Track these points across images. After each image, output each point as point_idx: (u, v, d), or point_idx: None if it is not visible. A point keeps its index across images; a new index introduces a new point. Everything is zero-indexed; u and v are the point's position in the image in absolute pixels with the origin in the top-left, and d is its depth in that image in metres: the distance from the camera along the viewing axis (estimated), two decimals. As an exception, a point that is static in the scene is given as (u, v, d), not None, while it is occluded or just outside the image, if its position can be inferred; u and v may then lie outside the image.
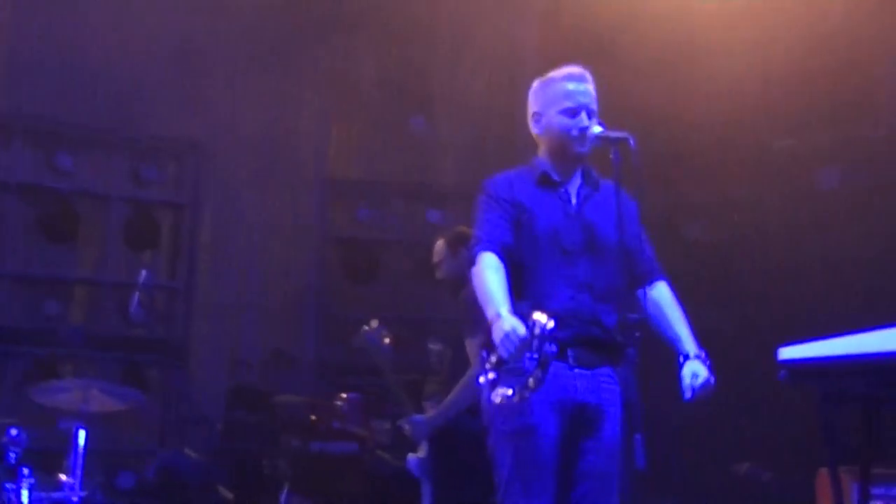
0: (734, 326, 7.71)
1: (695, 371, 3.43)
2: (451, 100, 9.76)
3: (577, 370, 3.44)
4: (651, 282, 3.62)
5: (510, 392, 3.24)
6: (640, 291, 3.49)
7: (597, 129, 3.52)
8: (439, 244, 5.25)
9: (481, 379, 3.38)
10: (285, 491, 7.23)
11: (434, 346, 5.63)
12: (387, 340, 5.25)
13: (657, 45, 8.14)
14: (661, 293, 3.62)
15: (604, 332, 3.49)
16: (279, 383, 8.30)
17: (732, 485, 7.70)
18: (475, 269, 3.45)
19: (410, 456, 5.32)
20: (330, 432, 7.57)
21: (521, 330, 3.18)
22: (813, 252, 7.90)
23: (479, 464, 3.65)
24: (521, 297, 3.44)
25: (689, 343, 3.52)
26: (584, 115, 3.54)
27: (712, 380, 3.45)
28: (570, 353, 3.42)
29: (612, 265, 3.49)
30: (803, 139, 8.11)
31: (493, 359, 3.30)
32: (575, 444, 3.43)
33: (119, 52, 8.47)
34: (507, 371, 3.30)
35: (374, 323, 5.34)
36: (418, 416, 5.16)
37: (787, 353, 3.70)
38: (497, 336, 3.22)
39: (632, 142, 3.41)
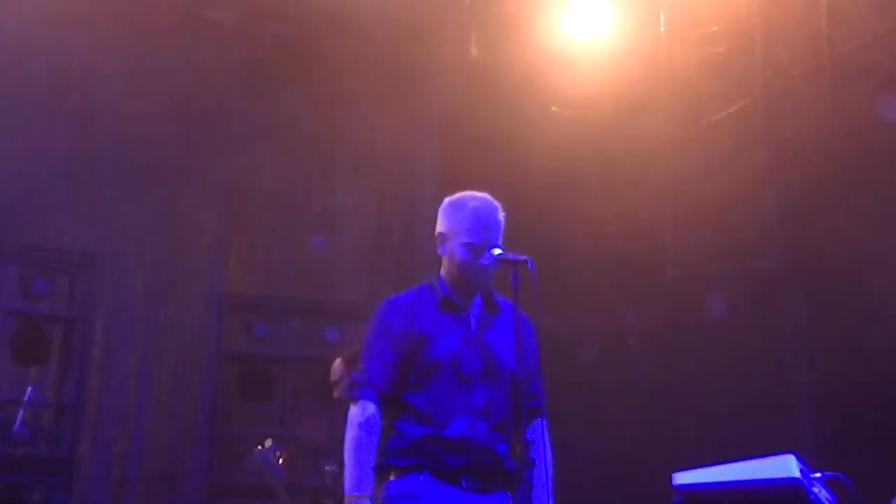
0: (629, 450, 7.77)
1: None
2: (350, 215, 9.82)
3: (470, 495, 3.41)
4: (535, 419, 3.62)
5: None
6: (524, 424, 3.48)
7: (496, 251, 3.56)
8: (337, 363, 5.23)
9: None
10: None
11: (329, 468, 5.55)
12: (280, 461, 5.16)
13: (550, 168, 8.34)
14: (540, 435, 3.60)
15: (496, 460, 3.48)
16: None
17: None
18: (351, 417, 3.46)
19: None
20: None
21: None
22: (703, 376, 8.06)
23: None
24: (419, 421, 3.43)
25: (540, 497, 3.50)
26: (487, 253, 3.57)
27: None
28: (463, 480, 3.41)
29: (506, 392, 3.52)
30: (694, 269, 8.34)
31: None
32: None
33: (10, 160, 8.33)
34: None
35: (268, 442, 5.25)
36: None
37: (681, 478, 3.76)
38: None
39: (530, 264, 3.47)
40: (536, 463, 3.50)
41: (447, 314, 3.58)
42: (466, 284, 3.61)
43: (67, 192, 8.71)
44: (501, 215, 3.65)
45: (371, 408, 3.45)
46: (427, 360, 3.49)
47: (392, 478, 3.44)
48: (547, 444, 3.58)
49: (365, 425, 3.42)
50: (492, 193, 3.73)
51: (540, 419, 3.63)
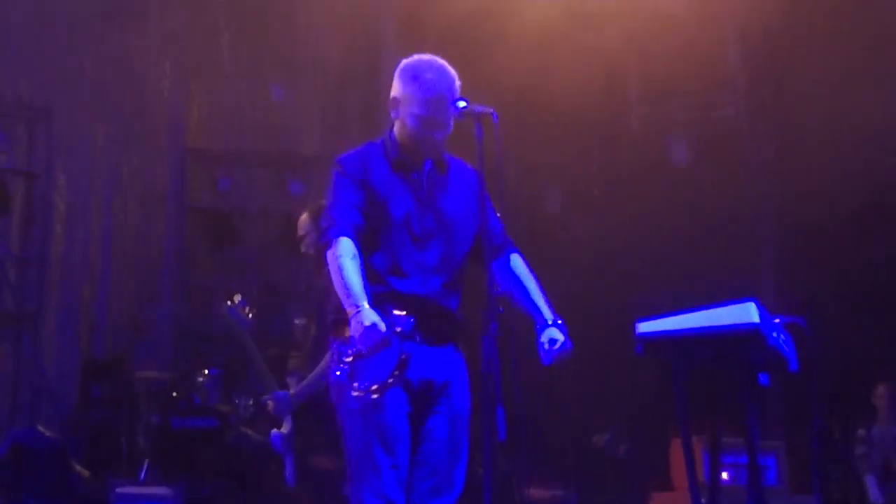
0: (592, 298, 7.88)
1: (552, 337, 3.50)
2: (312, 64, 9.65)
3: (423, 348, 3.47)
4: (504, 255, 3.66)
5: (372, 387, 3.29)
6: (494, 265, 3.52)
7: (461, 103, 3.51)
8: (304, 218, 5.18)
9: (337, 372, 3.39)
10: (145, 467, 7.11)
11: (298, 321, 5.60)
12: (249, 315, 5.18)
13: (516, 18, 8.19)
14: (516, 265, 3.66)
15: (448, 315, 3.52)
16: (137, 354, 8.11)
17: (591, 455, 7.91)
18: (330, 255, 3.43)
19: (274, 431, 5.29)
20: (191, 408, 7.46)
21: (382, 326, 3.23)
22: (665, 226, 8.14)
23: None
24: (375, 280, 3.44)
25: (545, 311, 3.58)
26: (435, 130, 3.52)
27: (569, 345, 3.52)
28: (416, 335, 3.44)
29: (461, 247, 3.53)
30: (659, 112, 8.33)
31: (351, 352, 3.32)
32: (422, 417, 3.47)
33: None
34: (365, 365, 3.33)
35: (237, 298, 5.25)
36: (281, 392, 5.12)
37: (644, 327, 3.83)
38: (356, 330, 3.24)
39: (495, 116, 3.42)
40: (522, 286, 3.59)
41: (399, 174, 3.56)
42: (416, 152, 3.58)
43: (20, 42, 8.47)
44: (458, 85, 3.58)
45: (345, 240, 3.43)
46: (382, 218, 3.48)
47: (345, 331, 3.48)
48: (528, 270, 3.64)
49: (344, 254, 3.39)
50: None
51: (508, 253, 3.66)
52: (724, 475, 5.79)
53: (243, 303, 5.10)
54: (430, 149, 3.57)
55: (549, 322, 3.57)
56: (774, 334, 3.81)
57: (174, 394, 7.88)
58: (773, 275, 8.23)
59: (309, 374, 5.02)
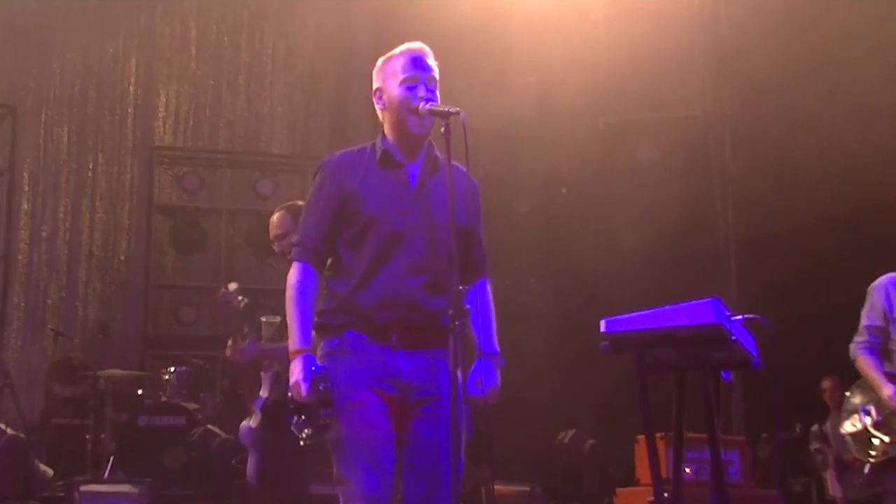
0: (557, 297, 7.94)
1: (485, 372, 3.47)
2: (282, 66, 9.64)
3: (400, 353, 3.46)
4: (476, 279, 3.64)
5: (309, 431, 3.38)
6: (467, 278, 3.52)
7: (429, 105, 3.52)
8: (282, 216, 5.18)
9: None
10: (110, 465, 7.07)
11: (271, 320, 5.60)
12: (242, 304, 5.18)
13: (485, 20, 8.23)
14: (481, 293, 3.63)
15: (429, 317, 3.45)
16: (102, 353, 8.07)
17: (556, 451, 7.96)
18: (289, 281, 3.50)
19: (243, 424, 5.32)
20: (157, 406, 7.44)
21: (303, 388, 3.30)
22: (632, 225, 8.21)
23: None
24: (349, 280, 3.45)
25: (488, 343, 3.57)
26: (422, 87, 3.53)
27: (498, 384, 3.52)
28: (392, 336, 3.44)
29: (444, 249, 3.49)
30: (626, 117, 8.40)
31: (292, 405, 3.40)
32: (407, 422, 3.46)
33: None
34: (304, 409, 3.40)
35: (233, 286, 5.26)
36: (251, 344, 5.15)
37: (608, 325, 3.87)
38: (291, 377, 3.35)
39: (462, 116, 3.43)
40: (480, 312, 3.55)
41: (386, 171, 3.54)
42: (407, 134, 3.55)
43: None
44: (434, 61, 3.60)
45: (303, 269, 3.48)
46: (360, 217, 3.46)
47: (327, 336, 3.48)
48: (489, 300, 3.63)
49: (298, 286, 3.46)
50: (427, 44, 3.69)
51: (481, 277, 3.65)
52: (687, 470, 5.84)
53: (237, 291, 5.10)
54: (420, 123, 3.54)
55: (486, 355, 3.53)
56: (736, 332, 3.86)
57: (140, 392, 7.86)
58: (735, 274, 8.33)
59: (285, 373, 5.03)
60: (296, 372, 3.37)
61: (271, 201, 8.40)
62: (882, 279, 4.85)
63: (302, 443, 3.43)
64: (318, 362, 3.44)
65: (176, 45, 9.41)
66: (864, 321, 4.81)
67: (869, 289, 4.86)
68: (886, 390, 4.67)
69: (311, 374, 3.35)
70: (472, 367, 3.51)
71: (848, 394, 4.95)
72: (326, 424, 3.37)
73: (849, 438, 4.89)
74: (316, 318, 3.50)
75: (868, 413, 4.80)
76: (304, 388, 3.33)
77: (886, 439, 4.72)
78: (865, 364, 4.78)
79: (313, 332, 3.50)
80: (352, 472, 3.38)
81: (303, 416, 3.39)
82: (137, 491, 6.48)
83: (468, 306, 3.46)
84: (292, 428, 3.44)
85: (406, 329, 3.42)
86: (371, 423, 3.39)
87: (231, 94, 9.59)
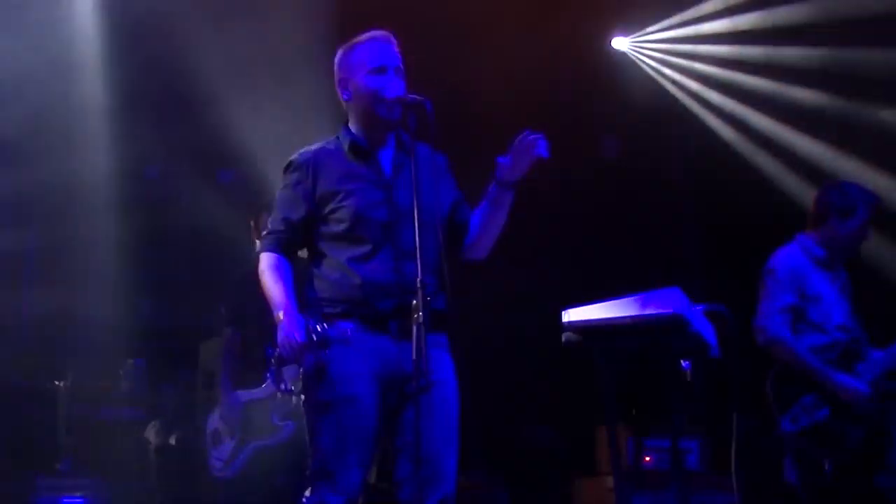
0: (518, 288, 7.95)
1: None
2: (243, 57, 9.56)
3: (401, 342, 3.41)
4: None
5: (292, 387, 3.43)
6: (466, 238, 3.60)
7: (394, 95, 3.51)
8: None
9: (267, 375, 3.50)
10: (67, 459, 7.01)
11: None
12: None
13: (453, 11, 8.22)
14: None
15: (426, 302, 3.37)
16: (61, 345, 7.98)
17: (517, 442, 7.98)
18: (260, 272, 3.55)
19: (212, 417, 5.39)
20: (114, 399, 7.38)
21: (298, 336, 3.31)
22: (592, 216, 8.25)
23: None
24: (344, 269, 3.43)
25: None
26: (392, 74, 3.51)
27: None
28: (392, 325, 3.40)
29: (431, 231, 3.45)
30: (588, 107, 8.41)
31: (273, 359, 3.42)
32: (399, 409, 3.42)
33: None
34: (289, 369, 3.44)
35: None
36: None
37: (569, 315, 3.88)
38: (280, 337, 3.35)
39: (428, 106, 3.42)
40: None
41: (357, 163, 3.51)
42: (376, 123, 3.52)
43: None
44: (398, 49, 3.59)
45: (275, 256, 3.53)
46: (343, 214, 3.44)
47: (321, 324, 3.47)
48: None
49: (271, 267, 3.51)
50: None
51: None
52: (648, 459, 5.89)
53: None
54: (390, 110, 3.52)
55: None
56: (697, 321, 3.89)
57: (99, 385, 7.77)
58: (696, 263, 8.38)
59: None
60: (285, 325, 3.36)
61: (232, 191, 8.36)
62: None
63: (289, 394, 3.45)
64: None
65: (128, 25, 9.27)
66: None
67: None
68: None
69: (303, 323, 3.35)
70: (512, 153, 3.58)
71: (771, 389, 4.95)
72: (322, 367, 3.38)
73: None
74: (305, 308, 3.47)
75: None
76: (298, 336, 3.33)
77: None
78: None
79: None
80: (339, 466, 3.36)
81: (287, 367, 3.41)
82: (94, 485, 6.44)
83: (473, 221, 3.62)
84: (275, 382, 3.47)
85: (405, 316, 3.36)
86: (364, 418, 3.39)
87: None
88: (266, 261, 3.54)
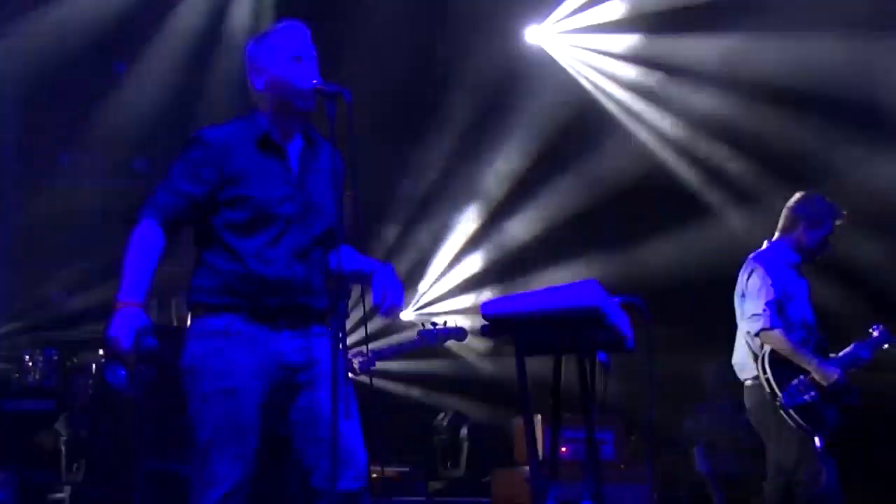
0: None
1: (388, 282, 3.43)
2: (164, 42, 9.42)
3: (285, 334, 3.40)
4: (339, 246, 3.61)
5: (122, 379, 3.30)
6: (331, 254, 3.49)
7: (314, 83, 3.48)
8: None
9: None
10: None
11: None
12: None
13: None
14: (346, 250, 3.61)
15: (314, 299, 3.44)
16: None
17: (434, 433, 8.02)
18: (132, 233, 3.35)
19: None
20: (24, 390, 7.23)
21: (124, 344, 3.19)
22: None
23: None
24: (236, 261, 3.39)
25: (371, 262, 3.57)
26: (308, 63, 3.48)
27: (401, 298, 3.53)
28: (280, 320, 3.39)
29: (324, 230, 3.47)
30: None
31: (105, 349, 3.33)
32: (292, 398, 3.40)
33: None
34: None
35: None
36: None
37: (488, 306, 3.90)
38: (107, 333, 3.22)
39: (348, 96, 3.40)
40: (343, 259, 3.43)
41: (266, 155, 3.47)
42: (289, 113, 3.48)
43: None
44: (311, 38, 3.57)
45: (150, 224, 3.34)
46: (244, 202, 3.38)
47: (202, 314, 3.40)
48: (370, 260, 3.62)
49: (141, 239, 3.33)
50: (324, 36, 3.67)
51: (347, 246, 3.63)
52: (564, 450, 5.95)
53: None
54: (306, 100, 3.48)
55: (381, 268, 3.53)
56: (613, 313, 3.93)
57: (14, 375, 7.61)
58: (613, 256, 8.51)
59: None
60: (116, 324, 3.22)
61: (147, 179, 8.24)
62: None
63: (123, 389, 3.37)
64: (192, 342, 3.38)
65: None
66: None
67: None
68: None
69: (135, 328, 3.22)
70: (373, 280, 3.48)
71: (767, 369, 5.23)
72: (143, 382, 3.33)
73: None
74: (190, 295, 3.42)
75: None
76: (124, 342, 3.20)
77: None
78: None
79: (189, 312, 3.43)
80: (219, 459, 3.31)
81: (119, 364, 3.27)
82: (4, 478, 6.30)
83: (333, 265, 3.41)
84: (105, 373, 3.36)
85: (294, 312, 3.37)
86: (246, 411, 3.34)
87: (105, 70, 9.34)
88: (141, 230, 3.36)
